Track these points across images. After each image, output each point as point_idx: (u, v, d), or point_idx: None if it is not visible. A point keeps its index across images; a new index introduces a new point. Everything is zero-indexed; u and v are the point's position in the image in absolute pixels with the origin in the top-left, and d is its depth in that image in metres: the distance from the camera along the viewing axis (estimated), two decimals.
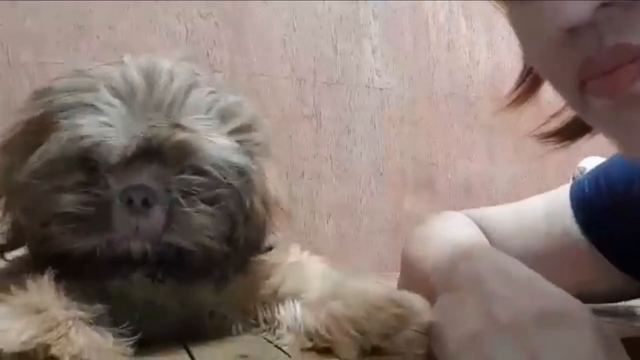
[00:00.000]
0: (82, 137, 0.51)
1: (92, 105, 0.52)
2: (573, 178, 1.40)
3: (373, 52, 1.51)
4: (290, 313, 0.56)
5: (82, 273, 0.52)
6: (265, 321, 0.58)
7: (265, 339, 0.57)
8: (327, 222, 1.42)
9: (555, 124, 0.67)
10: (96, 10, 1.23)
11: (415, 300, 0.52)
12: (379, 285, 0.56)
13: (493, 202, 1.61)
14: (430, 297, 0.53)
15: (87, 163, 0.52)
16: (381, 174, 1.49)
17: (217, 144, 0.55)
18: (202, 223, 0.53)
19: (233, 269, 0.59)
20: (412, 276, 0.69)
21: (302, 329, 0.54)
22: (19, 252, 0.60)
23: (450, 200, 1.57)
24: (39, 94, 0.56)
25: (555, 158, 1.70)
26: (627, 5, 0.40)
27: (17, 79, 1.16)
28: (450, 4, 1.62)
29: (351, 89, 1.48)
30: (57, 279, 0.50)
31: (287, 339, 0.54)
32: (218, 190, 0.55)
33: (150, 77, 0.54)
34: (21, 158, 0.53)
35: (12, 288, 0.48)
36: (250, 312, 0.59)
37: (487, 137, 1.63)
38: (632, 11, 0.40)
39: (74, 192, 0.51)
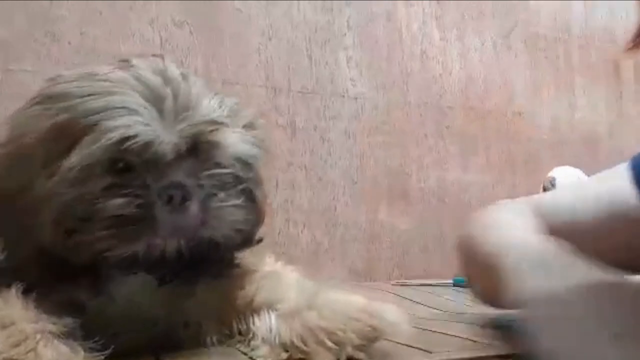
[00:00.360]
0: (127, 138, 0.51)
1: (124, 108, 0.52)
2: (544, 188, 1.42)
3: (347, 61, 1.52)
4: (265, 324, 0.56)
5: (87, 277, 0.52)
6: (239, 332, 0.58)
7: (239, 350, 0.57)
8: (302, 231, 1.42)
9: None
10: (68, 16, 1.22)
11: (390, 312, 0.52)
12: (354, 295, 0.56)
13: (466, 211, 1.63)
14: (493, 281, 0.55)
15: (116, 165, 0.52)
16: (355, 183, 1.50)
17: (241, 139, 0.58)
18: (235, 215, 0.55)
19: (225, 265, 0.59)
20: (476, 260, 0.72)
21: (277, 340, 0.53)
22: None
23: (424, 209, 1.58)
24: (53, 100, 0.54)
25: (525, 167, 1.73)
26: None
27: None
28: (423, 15, 1.64)
29: (326, 99, 1.48)
30: (27, 292, 0.49)
31: (261, 351, 0.54)
32: (242, 184, 0.57)
33: (168, 80, 0.55)
34: (44, 166, 0.52)
35: None
36: (225, 322, 0.59)
37: (460, 146, 1.65)
38: None
39: (115, 195, 0.51)
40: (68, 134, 0.52)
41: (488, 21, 1.73)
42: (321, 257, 1.43)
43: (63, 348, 0.45)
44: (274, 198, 1.38)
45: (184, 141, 0.53)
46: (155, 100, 0.53)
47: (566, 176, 1.45)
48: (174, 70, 0.56)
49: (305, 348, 0.50)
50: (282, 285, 0.60)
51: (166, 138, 0.53)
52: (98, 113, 0.52)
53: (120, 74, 0.55)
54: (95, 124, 0.51)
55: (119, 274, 0.53)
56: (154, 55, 0.59)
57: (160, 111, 0.53)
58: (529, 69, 1.78)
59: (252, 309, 0.58)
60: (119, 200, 0.50)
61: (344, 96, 1.51)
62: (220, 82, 1.28)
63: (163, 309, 0.56)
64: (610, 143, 1.88)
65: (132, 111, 0.52)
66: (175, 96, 0.54)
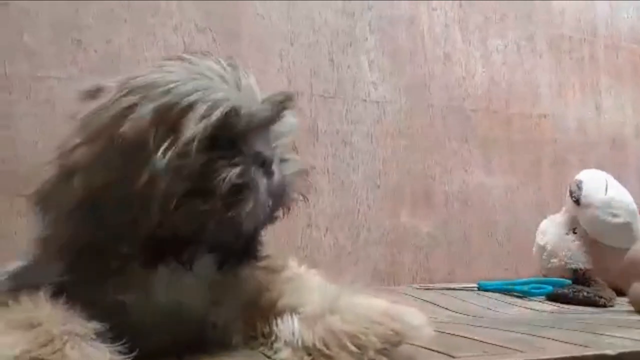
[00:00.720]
0: (230, 111, 0.56)
1: (211, 88, 0.56)
2: (570, 191, 1.40)
3: (369, 65, 1.52)
4: (288, 327, 0.56)
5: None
6: (263, 335, 0.58)
7: (262, 353, 0.57)
8: (325, 235, 1.42)
9: None
10: (93, 24, 1.24)
11: (413, 315, 0.52)
12: (377, 299, 0.56)
13: (489, 215, 1.62)
14: None
15: (214, 140, 0.55)
16: (378, 186, 1.49)
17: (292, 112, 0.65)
18: (300, 178, 0.63)
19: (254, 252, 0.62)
20: None
21: (299, 344, 0.53)
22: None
23: (448, 212, 1.57)
24: (143, 89, 0.56)
25: (551, 170, 1.70)
26: None
27: (14, 92, 1.16)
28: (446, 18, 1.63)
29: (348, 102, 1.48)
30: (56, 295, 0.49)
31: (284, 354, 0.54)
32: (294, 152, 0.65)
33: (224, 67, 0.60)
34: (156, 149, 0.53)
35: (10, 302, 0.48)
36: (249, 323, 0.59)
37: (483, 149, 1.63)
38: None
39: (222, 166, 0.54)
40: (172, 114, 0.54)
41: (511, 23, 1.71)
42: (344, 260, 1.43)
43: (90, 350, 0.46)
44: (296, 202, 1.38)
45: (271, 112, 0.60)
46: (229, 81, 0.58)
47: (593, 179, 1.43)
48: (221, 60, 0.61)
49: (327, 352, 0.50)
50: (305, 289, 0.60)
51: (259, 110, 0.59)
52: (193, 93, 0.55)
53: (184, 64, 0.59)
54: (196, 101, 0.55)
55: (169, 273, 0.56)
56: (199, 52, 0.63)
57: (239, 89, 0.58)
58: (553, 71, 1.76)
59: (276, 312, 0.58)
60: (233, 172, 0.54)
61: (365, 100, 1.50)
62: None
63: (205, 308, 0.59)
64: (637, 144, 1.84)
65: (219, 89, 0.56)
66: (238, 77, 0.60)
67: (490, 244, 1.61)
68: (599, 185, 1.40)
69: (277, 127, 0.62)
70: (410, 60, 1.57)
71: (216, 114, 0.54)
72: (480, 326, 0.77)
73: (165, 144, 0.53)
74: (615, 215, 1.36)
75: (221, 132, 0.55)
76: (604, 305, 1.15)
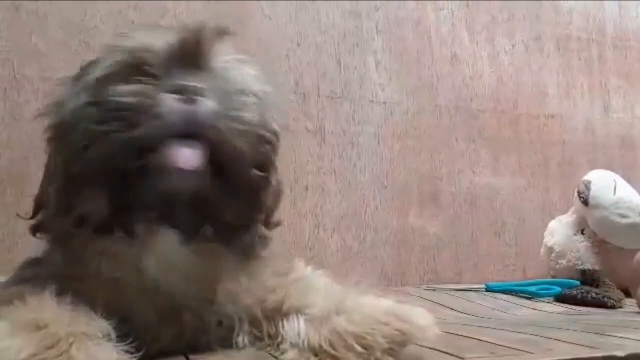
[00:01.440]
0: (133, 45, 0.56)
1: (139, 31, 0.60)
2: (579, 192, 1.40)
3: (376, 66, 1.52)
4: (294, 328, 0.56)
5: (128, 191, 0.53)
6: (269, 335, 0.58)
7: (269, 354, 0.57)
8: (332, 235, 1.42)
9: None
10: (101, 26, 1.24)
11: (419, 315, 0.52)
12: (383, 299, 0.56)
13: (497, 215, 1.61)
14: None
15: (138, 72, 0.54)
16: (385, 187, 1.49)
17: (253, 73, 0.61)
18: (251, 129, 0.55)
19: (250, 242, 0.60)
20: None
21: (306, 345, 0.53)
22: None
23: (455, 213, 1.56)
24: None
25: (558, 171, 1.69)
26: None
27: (23, 93, 1.16)
28: (452, 18, 1.62)
29: (355, 103, 1.48)
30: (60, 294, 0.49)
31: (290, 355, 0.54)
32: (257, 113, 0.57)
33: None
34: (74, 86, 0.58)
35: (15, 302, 0.48)
36: (255, 324, 0.59)
37: (491, 150, 1.63)
38: None
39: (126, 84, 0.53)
40: (94, 62, 0.58)
41: (518, 23, 1.70)
42: (351, 261, 1.42)
43: (96, 350, 0.46)
44: (303, 203, 1.38)
45: (180, 41, 0.56)
46: (154, 29, 0.60)
47: (602, 180, 1.42)
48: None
49: (334, 352, 0.50)
50: (311, 290, 0.60)
51: (179, 42, 0.56)
52: (119, 38, 0.59)
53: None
54: (114, 45, 0.58)
55: (150, 225, 0.54)
56: None
57: (175, 31, 0.58)
58: (561, 71, 1.75)
59: (282, 313, 0.58)
60: (124, 87, 0.52)
61: (372, 101, 1.50)
62: None
63: (197, 268, 0.56)
64: None
65: (149, 32, 0.58)
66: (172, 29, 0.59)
67: (498, 245, 1.60)
68: (608, 185, 1.40)
69: (233, 80, 0.58)
70: (418, 61, 1.57)
71: (122, 50, 0.55)
72: (488, 327, 0.76)
73: (79, 86, 0.56)
74: (623, 216, 1.35)
75: (135, 69, 0.55)
76: (613, 307, 1.15)
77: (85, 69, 0.58)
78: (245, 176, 0.55)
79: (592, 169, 1.51)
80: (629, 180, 1.46)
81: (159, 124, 0.51)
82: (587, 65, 1.79)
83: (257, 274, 0.60)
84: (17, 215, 0.60)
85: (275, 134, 0.60)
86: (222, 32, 0.59)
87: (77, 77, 0.58)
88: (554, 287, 1.28)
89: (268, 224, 0.62)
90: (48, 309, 0.48)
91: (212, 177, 0.53)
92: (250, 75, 0.60)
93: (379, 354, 0.49)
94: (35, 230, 0.58)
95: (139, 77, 0.53)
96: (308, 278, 0.63)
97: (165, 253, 0.54)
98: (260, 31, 1.39)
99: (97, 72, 0.55)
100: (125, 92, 0.52)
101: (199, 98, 0.52)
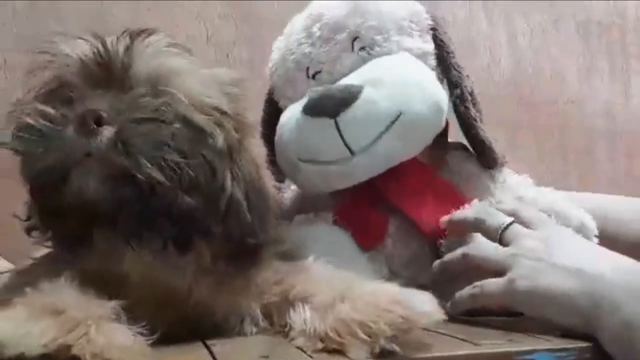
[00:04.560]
0: (57, 57, 0.55)
1: (68, 42, 0.56)
2: None
3: None
4: (300, 317, 0.56)
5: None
6: (279, 325, 0.59)
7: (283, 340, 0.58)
8: None
9: None
10: (116, 12, 1.24)
11: (423, 301, 0.52)
12: (388, 286, 0.56)
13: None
14: None
15: (60, 94, 0.54)
16: None
17: (191, 76, 0.57)
18: (157, 143, 0.51)
19: (238, 251, 0.59)
20: None
21: (312, 332, 0.54)
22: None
23: None
24: None
25: (577, 157, 1.67)
26: None
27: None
28: (470, 2, 1.60)
29: None
30: (73, 278, 0.50)
31: (298, 342, 0.54)
32: (184, 123, 0.54)
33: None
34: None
35: (28, 290, 0.49)
36: (264, 314, 0.60)
37: (509, 135, 1.60)
38: None
39: (40, 110, 0.52)
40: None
41: (537, 6, 1.67)
42: None
43: (114, 332, 0.46)
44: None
45: (91, 50, 0.54)
46: (94, 35, 0.56)
47: None
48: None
49: (339, 339, 0.50)
50: (316, 278, 0.60)
51: (82, 50, 0.54)
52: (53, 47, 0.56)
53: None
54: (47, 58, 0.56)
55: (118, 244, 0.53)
56: None
57: (95, 41, 0.55)
58: (581, 55, 1.72)
59: (288, 302, 0.58)
60: (38, 109, 0.52)
61: None
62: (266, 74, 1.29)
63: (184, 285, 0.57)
64: None
65: (73, 42, 0.56)
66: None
67: None
68: None
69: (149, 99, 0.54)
70: None
71: (44, 64, 0.55)
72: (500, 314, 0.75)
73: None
74: None
75: (56, 85, 0.55)
76: None
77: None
78: (169, 199, 0.52)
79: (611, 155, 1.49)
80: None
81: (61, 155, 0.50)
82: (608, 50, 1.75)
83: (260, 271, 0.61)
84: (14, 215, 0.59)
85: (216, 150, 0.56)
86: (144, 36, 0.56)
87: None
88: None
89: (253, 233, 0.59)
90: (64, 294, 0.48)
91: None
92: (184, 83, 0.56)
93: (383, 342, 0.49)
94: (29, 231, 0.58)
95: (56, 96, 0.54)
96: (312, 266, 0.63)
97: (137, 269, 0.55)
98: (274, 15, 1.38)
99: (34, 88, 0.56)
100: (39, 114, 0.52)
101: (100, 128, 0.50)
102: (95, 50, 0.54)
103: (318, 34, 0.82)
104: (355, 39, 0.81)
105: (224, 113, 0.58)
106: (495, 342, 0.55)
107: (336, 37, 0.81)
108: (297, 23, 0.86)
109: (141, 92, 0.54)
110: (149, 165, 0.50)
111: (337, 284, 0.57)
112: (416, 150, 0.79)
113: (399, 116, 0.75)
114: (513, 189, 0.85)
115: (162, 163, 0.51)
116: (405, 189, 0.80)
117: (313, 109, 0.75)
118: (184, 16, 1.30)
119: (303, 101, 0.78)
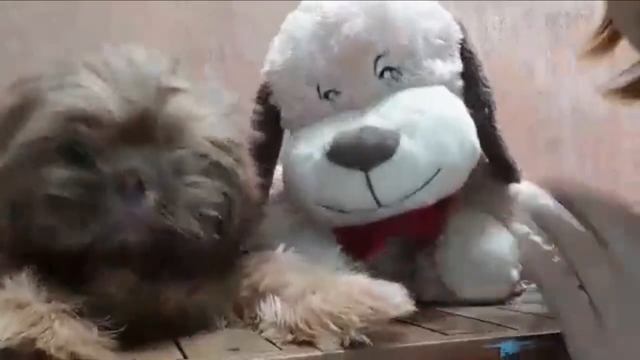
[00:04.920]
0: (74, 109, 0.50)
1: (78, 85, 0.51)
2: None
3: None
4: (270, 308, 0.56)
5: (66, 271, 0.50)
6: (248, 317, 0.59)
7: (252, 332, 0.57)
8: None
9: (626, 79, 0.70)
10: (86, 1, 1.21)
11: (395, 292, 0.52)
12: (359, 277, 0.56)
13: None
14: None
15: (72, 146, 0.51)
16: None
17: (216, 120, 0.56)
18: (197, 198, 0.52)
19: (223, 263, 0.58)
20: None
21: (282, 324, 0.53)
22: None
23: None
24: (20, 82, 0.54)
25: (546, 149, 1.69)
26: None
27: (2, 70, 1.14)
28: None
29: None
30: (35, 274, 0.49)
31: (269, 333, 0.54)
32: (209, 166, 0.55)
33: (131, 61, 0.54)
34: (2, 144, 0.52)
35: None
36: (234, 308, 0.60)
37: None
38: None
39: (62, 175, 0.49)
40: (24, 113, 0.52)
41: None
42: None
43: (78, 326, 0.46)
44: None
45: (135, 110, 0.51)
46: (111, 76, 0.52)
47: None
48: (140, 53, 0.55)
49: (310, 331, 0.50)
50: (286, 269, 0.60)
51: (115, 107, 0.51)
52: (51, 91, 0.51)
53: (87, 59, 0.55)
54: (43, 101, 0.51)
55: (104, 269, 0.52)
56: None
57: (115, 87, 0.52)
58: (549, 48, 1.74)
59: (259, 295, 0.58)
60: (63, 178, 0.49)
61: None
62: (236, 64, 1.27)
63: (151, 302, 0.55)
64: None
65: (83, 86, 0.51)
66: (134, 73, 0.53)
67: None
68: None
69: (183, 139, 0.53)
70: None
71: (53, 115, 0.49)
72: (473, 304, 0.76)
73: (8, 142, 0.51)
74: None
75: (78, 138, 0.51)
76: None
77: (6, 122, 0.53)
78: (201, 244, 0.53)
79: (579, 147, 1.51)
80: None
81: (104, 229, 0.49)
82: (576, 42, 1.77)
83: (231, 269, 0.60)
84: None
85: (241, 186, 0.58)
86: (174, 90, 0.54)
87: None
88: None
89: (243, 243, 0.61)
90: (27, 288, 0.48)
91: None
92: (206, 128, 0.56)
93: (353, 333, 0.49)
94: None
95: (74, 155, 0.50)
96: (282, 257, 0.63)
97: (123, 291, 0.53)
98: (249, 8, 1.36)
99: (23, 135, 0.50)
100: (63, 181, 0.49)
101: (143, 193, 0.49)
102: (115, 103, 0.51)
103: (336, 48, 0.71)
104: (379, 57, 0.72)
105: (238, 145, 0.58)
106: (463, 332, 0.56)
107: (358, 57, 0.71)
108: (305, 25, 0.74)
109: (179, 152, 0.53)
110: (190, 222, 0.51)
111: (308, 275, 0.57)
112: (442, 197, 0.73)
113: (437, 172, 0.69)
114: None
115: (200, 217, 0.52)
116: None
117: (341, 158, 0.67)
118: (155, 4, 1.27)
119: (324, 140, 0.69)
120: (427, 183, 0.69)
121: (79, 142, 0.51)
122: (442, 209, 0.76)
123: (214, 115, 0.56)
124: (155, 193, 0.49)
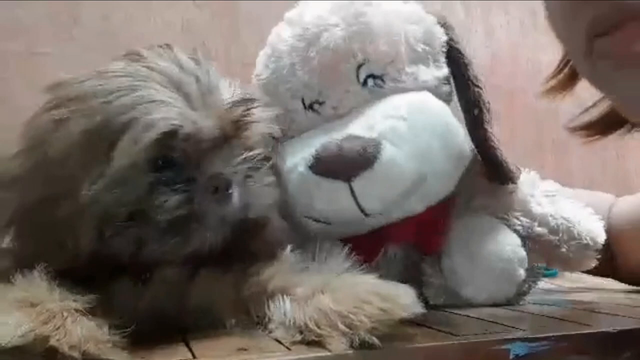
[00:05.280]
0: (170, 131, 0.52)
1: (154, 101, 0.52)
2: None
3: None
4: (279, 308, 0.56)
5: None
6: (257, 317, 0.59)
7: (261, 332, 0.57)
8: None
9: (589, 117, 0.70)
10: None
11: (403, 293, 0.52)
12: (368, 277, 0.56)
13: None
14: None
15: (157, 162, 0.53)
16: None
17: (265, 117, 0.60)
18: (271, 194, 0.59)
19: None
20: None
21: (292, 324, 0.53)
22: None
23: None
24: (76, 101, 0.53)
25: (553, 147, 1.69)
26: None
27: (7, 69, 1.14)
28: None
29: None
30: (47, 273, 0.49)
31: (278, 333, 0.54)
32: (269, 161, 0.60)
33: (183, 67, 0.56)
34: (84, 171, 0.51)
35: (3, 284, 0.48)
36: (243, 309, 0.59)
37: None
38: None
39: (163, 194, 0.52)
40: (104, 135, 0.51)
41: None
42: None
43: (90, 324, 0.46)
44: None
45: (225, 125, 0.55)
46: (179, 88, 0.54)
47: None
48: (185, 57, 0.57)
49: (319, 331, 0.50)
50: (296, 270, 0.60)
51: (206, 125, 0.54)
52: (131, 110, 0.51)
53: (135, 67, 0.55)
54: (131, 121, 0.51)
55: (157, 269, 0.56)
56: (159, 46, 0.59)
57: (188, 99, 0.54)
58: (557, 47, 1.73)
59: (267, 295, 0.58)
60: (174, 200, 0.52)
61: None
62: (240, 64, 1.27)
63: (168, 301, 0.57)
64: None
65: (163, 103, 0.52)
66: (197, 82, 0.55)
67: None
68: None
69: (246, 139, 0.59)
70: None
71: (149, 137, 0.51)
72: (481, 305, 0.76)
73: (96, 172, 0.51)
74: None
75: (163, 153, 0.53)
76: None
77: (90, 145, 0.52)
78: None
79: (587, 146, 1.50)
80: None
81: (202, 237, 0.53)
82: None
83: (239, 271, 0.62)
84: None
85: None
86: (250, 104, 0.59)
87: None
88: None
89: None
90: (39, 286, 0.48)
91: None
92: (268, 125, 0.61)
93: (362, 333, 0.49)
94: None
95: (168, 175, 0.53)
96: (290, 257, 0.63)
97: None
98: (251, 6, 1.36)
99: (121, 162, 0.51)
100: (176, 205, 0.52)
101: (230, 193, 0.54)
102: (203, 119, 0.54)
103: (316, 60, 0.71)
104: (360, 65, 0.72)
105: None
106: (472, 333, 0.56)
107: (339, 67, 0.71)
108: (286, 38, 0.75)
109: (242, 147, 0.58)
110: (264, 211, 0.58)
111: (317, 275, 0.57)
112: (433, 204, 0.71)
113: (423, 179, 0.68)
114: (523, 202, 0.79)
115: (269, 207, 0.59)
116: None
117: (324, 170, 0.67)
118: (158, 4, 1.28)
119: (308, 152, 0.69)
120: (413, 190, 0.68)
121: (173, 158, 0.54)
122: (444, 215, 0.76)
123: (267, 115, 0.61)
124: (237, 193, 0.54)
